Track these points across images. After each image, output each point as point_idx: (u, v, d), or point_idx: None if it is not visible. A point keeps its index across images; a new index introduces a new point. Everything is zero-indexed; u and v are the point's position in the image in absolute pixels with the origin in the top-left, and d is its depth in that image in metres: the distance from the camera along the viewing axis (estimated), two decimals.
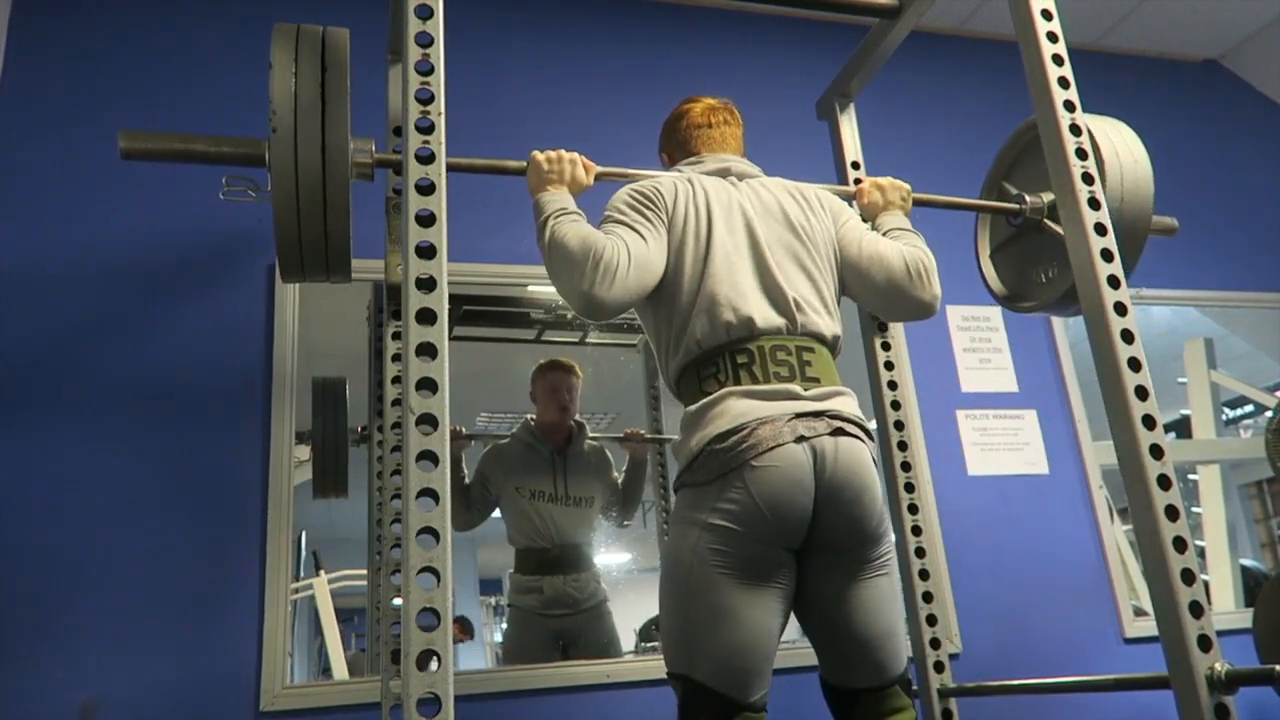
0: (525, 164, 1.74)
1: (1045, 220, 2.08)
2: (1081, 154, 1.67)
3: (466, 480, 2.63)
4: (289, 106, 1.59)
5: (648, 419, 2.84)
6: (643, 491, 2.76)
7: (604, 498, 2.73)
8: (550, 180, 1.70)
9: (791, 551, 1.50)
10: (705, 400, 1.54)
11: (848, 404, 1.57)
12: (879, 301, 1.77)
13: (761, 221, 1.67)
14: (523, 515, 2.64)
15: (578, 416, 2.73)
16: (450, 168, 1.42)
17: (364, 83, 2.57)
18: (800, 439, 1.47)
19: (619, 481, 2.75)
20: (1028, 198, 2.10)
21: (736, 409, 1.50)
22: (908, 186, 1.97)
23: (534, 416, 2.72)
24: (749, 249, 1.64)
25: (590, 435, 2.75)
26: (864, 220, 1.88)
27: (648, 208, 1.64)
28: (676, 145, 1.88)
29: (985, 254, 2.33)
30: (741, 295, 1.58)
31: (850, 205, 1.91)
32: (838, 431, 1.50)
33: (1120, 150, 1.97)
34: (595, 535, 2.70)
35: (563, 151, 1.72)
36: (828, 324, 1.64)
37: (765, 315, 1.58)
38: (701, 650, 1.46)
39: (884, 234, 1.84)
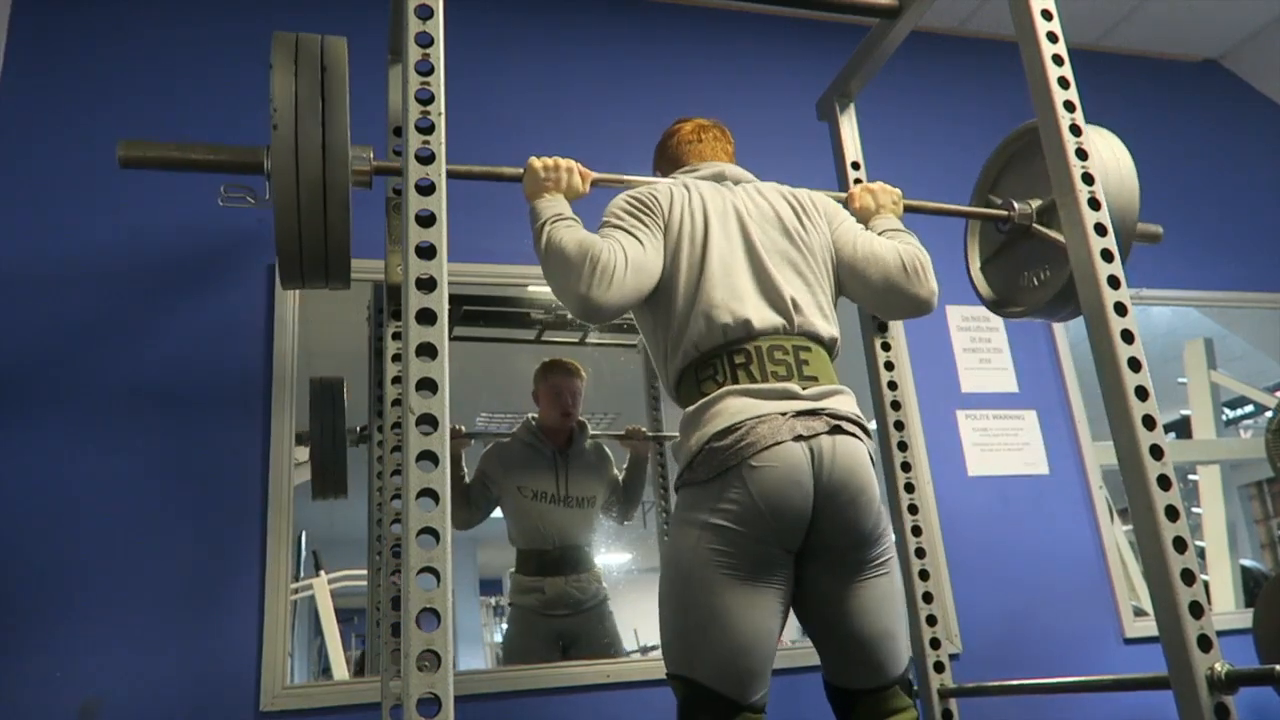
0: (522, 170, 1.75)
1: (1035, 225, 2.09)
2: (1081, 154, 1.67)
3: (467, 479, 2.62)
4: (290, 108, 1.59)
5: (648, 418, 2.84)
6: (643, 489, 2.76)
7: (605, 496, 2.73)
8: (546, 187, 1.71)
9: (790, 552, 1.50)
10: (703, 400, 1.55)
11: (846, 402, 1.58)
12: (876, 299, 1.77)
13: (757, 226, 1.69)
14: (524, 516, 2.64)
15: (580, 417, 2.73)
16: (447, 174, 1.41)
17: (365, 86, 2.57)
18: (799, 438, 1.48)
19: (620, 479, 2.75)
20: (1015, 204, 2.11)
21: (734, 407, 1.51)
22: (898, 192, 1.99)
23: (535, 415, 2.72)
24: (745, 253, 1.66)
25: (591, 433, 2.75)
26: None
27: (644, 213, 1.66)
28: (668, 162, 1.91)
29: (976, 265, 2.34)
30: (738, 298, 1.60)
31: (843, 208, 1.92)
32: (835, 429, 1.51)
33: (1107, 158, 1.97)
34: (596, 535, 2.70)
35: (559, 159, 1.73)
36: (825, 326, 1.65)
37: (762, 316, 1.59)
38: (702, 651, 1.46)
39: (879, 234, 1.85)
